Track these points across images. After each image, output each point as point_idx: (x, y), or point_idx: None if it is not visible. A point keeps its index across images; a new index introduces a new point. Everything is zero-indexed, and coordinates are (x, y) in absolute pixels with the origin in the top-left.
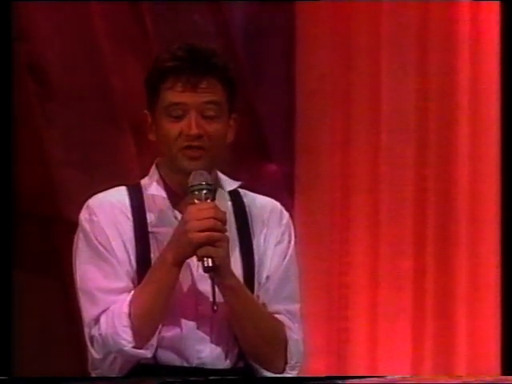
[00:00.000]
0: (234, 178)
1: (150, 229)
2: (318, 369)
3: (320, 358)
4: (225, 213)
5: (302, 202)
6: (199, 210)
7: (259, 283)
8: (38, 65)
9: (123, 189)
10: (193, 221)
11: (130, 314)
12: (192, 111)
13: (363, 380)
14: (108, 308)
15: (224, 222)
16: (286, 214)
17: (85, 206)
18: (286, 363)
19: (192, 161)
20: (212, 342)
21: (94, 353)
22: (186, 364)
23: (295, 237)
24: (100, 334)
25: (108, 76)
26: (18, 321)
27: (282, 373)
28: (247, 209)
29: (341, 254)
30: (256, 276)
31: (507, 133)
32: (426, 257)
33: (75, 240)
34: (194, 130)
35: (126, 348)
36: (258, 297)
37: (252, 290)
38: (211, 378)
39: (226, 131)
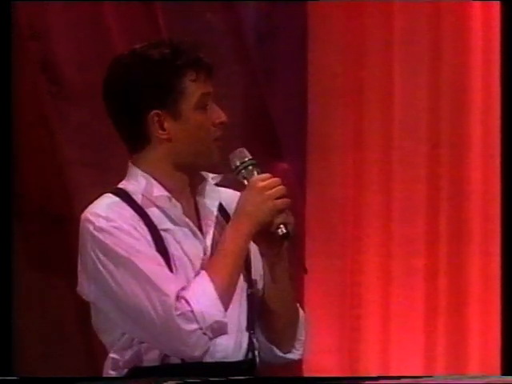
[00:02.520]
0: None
1: (158, 226)
2: (330, 367)
3: (332, 357)
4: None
5: (313, 200)
6: (264, 179)
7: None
8: (51, 63)
9: (110, 195)
10: (267, 189)
11: (215, 288)
12: (211, 100)
13: (381, 380)
14: (185, 286)
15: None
16: None
17: (93, 217)
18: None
19: (221, 152)
20: (230, 333)
21: (186, 325)
22: (209, 359)
23: (306, 235)
24: (191, 311)
25: None
26: (27, 320)
27: (290, 351)
28: (223, 201)
29: (353, 252)
30: (252, 263)
31: None
32: (439, 255)
33: (91, 256)
34: (225, 117)
35: (223, 320)
36: (255, 281)
37: (250, 276)
38: (232, 378)
39: None
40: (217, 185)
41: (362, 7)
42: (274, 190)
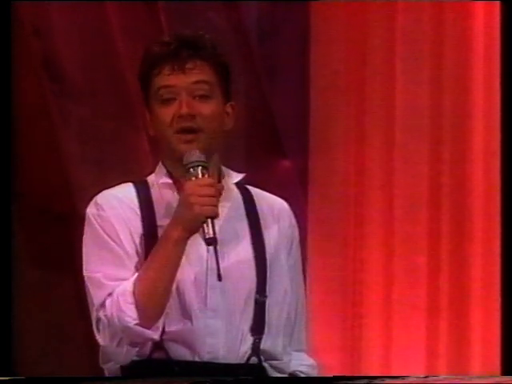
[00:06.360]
0: (248, 173)
1: (158, 222)
2: (332, 366)
3: (334, 355)
4: (223, 187)
5: (315, 198)
6: (200, 185)
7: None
8: (54, 61)
9: (130, 185)
10: (195, 196)
11: (134, 292)
12: (182, 93)
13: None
14: (114, 290)
15: (218, 197)
16: (292, 215)
17: (92, 202)
18: None
19: (187, 144)
20: (223, 335)
21: (101, 339)
22: (197, 358)
23: (308, 234)
24: (105, 315)
25: (123, 73)
26: (28, 319)
27: None
28: (256, 202)
29: (355, 250)
30: (268, 270)
31: None
32: (441, 253)
33: (84, 235)
34: (185, 109)
35: (130, 325)
36: (269, 289)
37: (264, 285)
38: (241, 377)
39: (220, 113)
40: (240, 185)
41: (364, 5)
42: (204, 198)
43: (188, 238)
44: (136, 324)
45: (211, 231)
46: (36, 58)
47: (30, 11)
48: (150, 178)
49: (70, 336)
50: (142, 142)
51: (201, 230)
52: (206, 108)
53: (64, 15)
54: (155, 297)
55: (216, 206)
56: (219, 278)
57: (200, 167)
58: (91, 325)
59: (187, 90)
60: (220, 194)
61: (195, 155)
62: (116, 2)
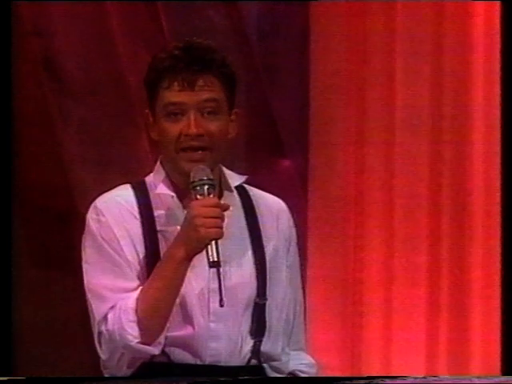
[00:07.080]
0: (248, 173)
1: (158, 227)
2: (332, 365)
3: (334, 354)
4: (228, 206)
5: (315, 198)
6: (205, 206)
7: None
8: (54, 61)
9: (128, 187)
10: (200, 218)
11: (136, 310)
12: (191, 110)
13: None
14: (116, 304)
15: (223, 218)
16: (290, 215)
17: (92, 206)
18: None
19: (193, 163)
20: (225, 338)
21: (101, 353)
22: (199, 362)
23: (307, 233)
24: (107, 330)
25: (123, 72)
26: (28, 319)
27: None
28: (254, 203)
29: (355, 249)
30: (268, 273)
31: None
32: (441, 253)
33: (83, 240)
34: (193, 130)
35: (131, 343)
36: (268, 292)
37: (264, 288)
38: (241, 378)
39: (226, 127)
40: (239, 186)
41: (364, 5)
42: (208, 219)
43: (192, 258)
44: (137, 342)
45: (215, 254)
46: (36, 58)
47: (30, 11)
48: (149, 179)
49: (70, 335)
50: (142, 141)
51: (205, 250)
52: (213, 125)
53: (64, 15)
54: (157, 315)
55: (221, 227)
56: (221, 303)
57: (206, 186)
58: (91, 324)
59: (196, 108)
60: (224, 215)
61: (203, 172)
62: (116, 1)
